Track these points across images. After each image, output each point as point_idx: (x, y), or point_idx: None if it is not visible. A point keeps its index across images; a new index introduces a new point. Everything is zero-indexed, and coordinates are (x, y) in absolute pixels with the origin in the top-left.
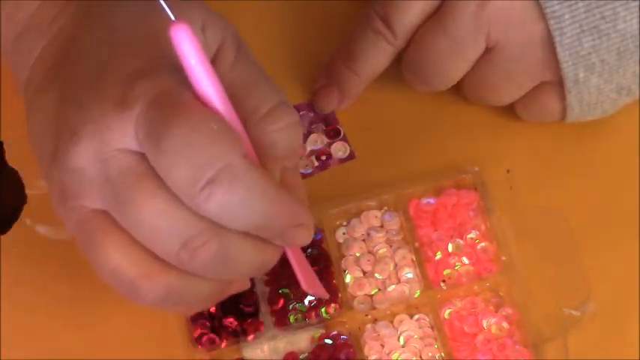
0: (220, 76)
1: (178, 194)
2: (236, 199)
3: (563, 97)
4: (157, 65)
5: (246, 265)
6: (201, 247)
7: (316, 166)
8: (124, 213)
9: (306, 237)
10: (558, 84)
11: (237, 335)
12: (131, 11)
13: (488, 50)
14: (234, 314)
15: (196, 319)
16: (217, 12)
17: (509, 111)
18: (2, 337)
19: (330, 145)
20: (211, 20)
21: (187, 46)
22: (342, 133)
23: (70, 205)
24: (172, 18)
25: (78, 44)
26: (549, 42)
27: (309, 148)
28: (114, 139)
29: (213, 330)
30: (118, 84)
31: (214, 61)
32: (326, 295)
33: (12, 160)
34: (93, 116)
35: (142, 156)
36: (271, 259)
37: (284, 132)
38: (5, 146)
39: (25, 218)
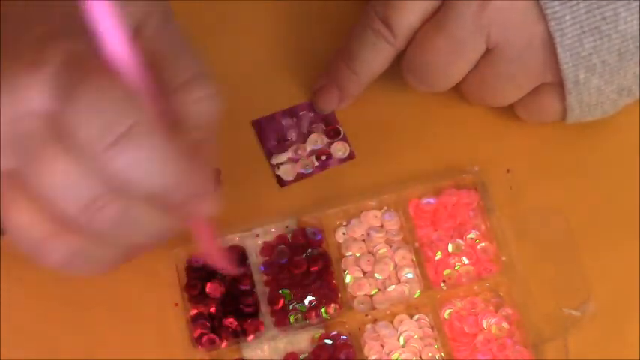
0: (142, 43)
1: (85, 154)
2: (139, 162)
3: (563, 97)
4: (71, 26)
5: (147, 230)
6: (102, 210)
7: (316, 166)
8: (29, 174)
9: (209, 209)
10: (558, 85)
11: (237, 335)
12: None
13: (488, 51)
14: (234, 314)
15: (196, 319)
16: None
17: (510, 111)
18: (2, 337)
19: (330, 145)
20: None
21: (101, 11)
22: (342, 133)
23: None
24: None
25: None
26: (550, 43)
27: (309, 148)
28: (24, 99)
29: (213, 330)
30: (31, 44)
31: (138, 28)
32: (233, 270)
33: None
34: (5, 75)
35: (51, 118)
36: (172, 226)
37: (199, 103)
38: None
39: None
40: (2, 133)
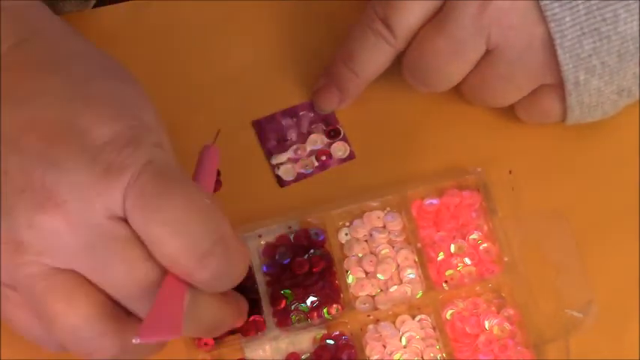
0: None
1: (169, 265)
2: (227, 268)
3: (563, 99)
4: (139, 132)
5: (210, 320)
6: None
7: (316, 167)
8: (105, 276)
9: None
10: (558, 86)
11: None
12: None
13: (488, 52)
14: None
15: None
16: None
17: (512, 112)
18: (2, 337)
19: (330, 145)
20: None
21: (210, 165)
22: (342, 133)
23: (25, 260)
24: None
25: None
26: (550, 44)
27: (309, 148)
28: (102, 206)
29: None
30: (102, 148)
31: None
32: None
33: None
34: (78, 180)
35: (127, 223)
36: (230, 315)
37: None
38: None
39: None
40: (71, 237)
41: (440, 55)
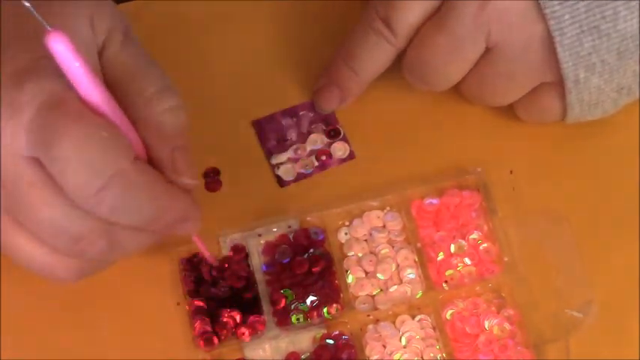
0: (108, 62)
1: (72, 198)
2: (127, 202)
3: (563, 97)
4: (43, 65)
5: (134, 250)
6: (92, 245)
7: (316, 166)
8: (20, 216)
9: (192, 230)
10: (558, 84)
11: (236, 330)
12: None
13: (488, 50)
14: (235, 306)
15: (195, 313)
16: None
17: (512, 112)
18: (2, 337)
19: (330, 145)
20: (100, 9)
21: (65, 54)
22: (342, 133)
23: None
24: (48, 27)
25: None
26: (549, 42)
27: (309, 148)
28: (10, 146)
29: (213, 325)
30: (4, 84)
31: (103, 48)
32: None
33: None
34: None
35: (34, 161)
36: (156, 242)
37: (169, 113)
38: None
39: None
40: None
41: (440, 54)
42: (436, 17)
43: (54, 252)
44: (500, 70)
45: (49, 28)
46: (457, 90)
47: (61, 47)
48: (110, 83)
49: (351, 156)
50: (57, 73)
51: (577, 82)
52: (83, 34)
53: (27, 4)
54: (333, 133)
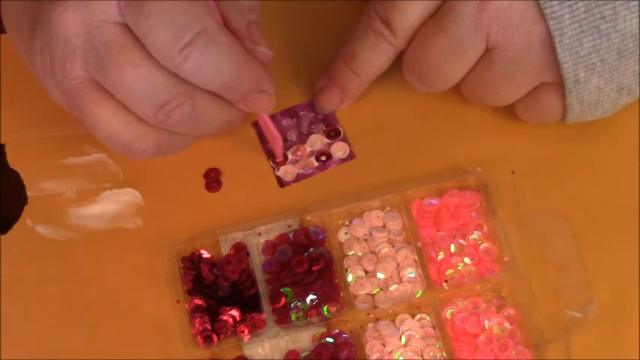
0: None
1: (157, 56)
2: (210, 59)
3: (563, 97)
4: None
5: (214, 123)
6: (177, 109)
7: (316, 167)
8: (108, 80)
9: (266, 104)
10: (558, 85)
11: (235, 328)
12: None
13: (488, 51)
14: (236, 304)
15: (194, 311)
16: None
17: (512, 112)
18: (2, 337)
19: (330, 145)
20: None
21: None
22: (342, 134)
23: (59, 77)
24: None
25: None
26: (549, 42)
27: (309, 149)
28: (98, 9)
29: (212, 323)
30: None
31: None
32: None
33: (13, 162)
34: None
35: (125, 27)
36: (235, 119)
37: None
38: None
39: (26, 219)
40: (78, 42)
41: (440, 54)
42: (436, 18)
43: (137, 123)
44: (500, 70)
45: None
46: (457, 91)
47: None
48: None
49: (351, 156)
50: None
51: (577, 82)
52: None
53: None
54: (333, 134)
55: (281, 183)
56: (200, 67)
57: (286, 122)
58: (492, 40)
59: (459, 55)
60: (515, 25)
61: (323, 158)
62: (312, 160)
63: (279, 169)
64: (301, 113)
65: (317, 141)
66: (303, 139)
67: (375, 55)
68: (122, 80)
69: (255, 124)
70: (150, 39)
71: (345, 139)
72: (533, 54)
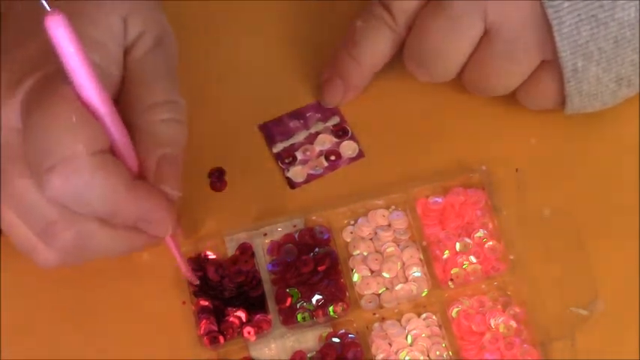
0: (129, 63)
1: (31, 175)
2: (71, 188)
3: (562, 78)
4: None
5: (110, 248)
6: (60, 233)
7: (326, 167)
8: (3, 188)
9: (159, 232)
10: (558, 65)
11: (242, 328)
12: None
13: (486, 33)
14: (241, 305)
15: (201, 312)
16: (153, 4)
17: (517, 110)
18: (2, 337)
19: (338, 144)
20: (136, 11)
21: (62, 37)
22: (349, 132)
23: None
24: (47, 9)
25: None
26: (545, 20)
27: (317, 149)
28: (2, 115)
29: (218, 324)
30: (20, 62)
31: (131, 47)
32: (194, 281)
33: None
34: None
35: (21, 133)
36: (137, 245)
37: (164, 124)
38: None
39: None
40: None
41: (438, 35)
42: (434, 1)
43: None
44: (499, 51)
45: (48, 9)
46: (461, 87)
47: (58, 30)
48: (124, 82)
49: (361, 155)
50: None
51: (575, 70)
52: (113, 27)
53: None
54: (341, 133)
55: (292, 184)
56: (61, 195)
57: (294, 124)
58: (490, 19)
59: (458, 37)
60: (511, 4)
61: (332, 158)
62: (322, 160)
63: (289, 170)
64: (308, 114)
65: (325, 141)
66: (311, 139)
67: (375, 41)
68: (11, 190)
69: (263, 127)
70: (26, 155)
71: (353, 138)
72: (531, 32)
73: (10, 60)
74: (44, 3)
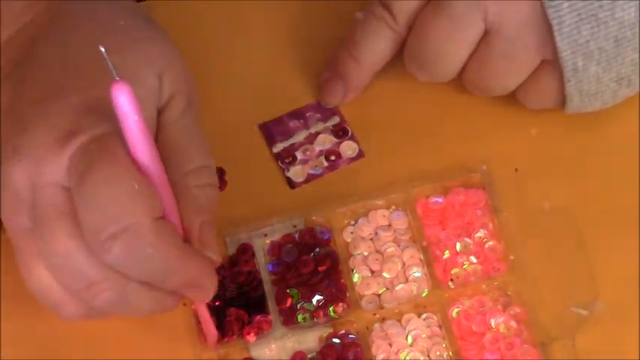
0: (163, 125)
1: (86, 238)
2: (132, 256)
3: (562, 77)
4: (104, 105)
5: (145, 310)
6: (104, 292)
7: (326, 167)
8: (42, 243)
9: (200, 297)
10: (558, 65)
11: (242, 328)
12: (94, 27)
13: (487, 32)
14: (241, 306)
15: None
16: (183, 62)
17: (517, 110)
18: (2, 337)
19: (338, 144)
20: (171, 69)
21: (126, 106)
22: (349, 132)
23: (5, 217)
24: (115, 77)
25: (37, 49)
26: (545, 20)
27: (317, 149)
28: (48, 171)
29: (219, 324)
30: (64, 114)
31: (165, 107)
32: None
33: None
34: (35, 142)
35: (69, 191)
36: (169, 307)
37: (202, 189)
38: None
39: None
40: (26, 195)
41: (439, 35)
42: (434, 1)
43: (66, 289)
44: (499, 50)
45: (116, 78)
46: (461, 87)
47: (124, 99)
48: (157, 145)
49: (361, 155)
50: (112, 116)
51: (576, 70)
52: (149, 86)
53: (102, 49)
54: (342, 133)
55: (292, 184)
56: (121, 262)
57: (294, 124)
58: (490, 18)
59: (458, 35)
60: (511, 4)
61: (332, 158)
62: (322, 160)
63: (289, 170)
64: (308, 114)
65: (325, 141)
66: (311, 139)
67: (375, 41)
68: (54, 247)
69: (263, 127)
70: (81, 218)
71: (353, 138)
72: (531, 32)
73: (66, 104)
74: (112, 70)
